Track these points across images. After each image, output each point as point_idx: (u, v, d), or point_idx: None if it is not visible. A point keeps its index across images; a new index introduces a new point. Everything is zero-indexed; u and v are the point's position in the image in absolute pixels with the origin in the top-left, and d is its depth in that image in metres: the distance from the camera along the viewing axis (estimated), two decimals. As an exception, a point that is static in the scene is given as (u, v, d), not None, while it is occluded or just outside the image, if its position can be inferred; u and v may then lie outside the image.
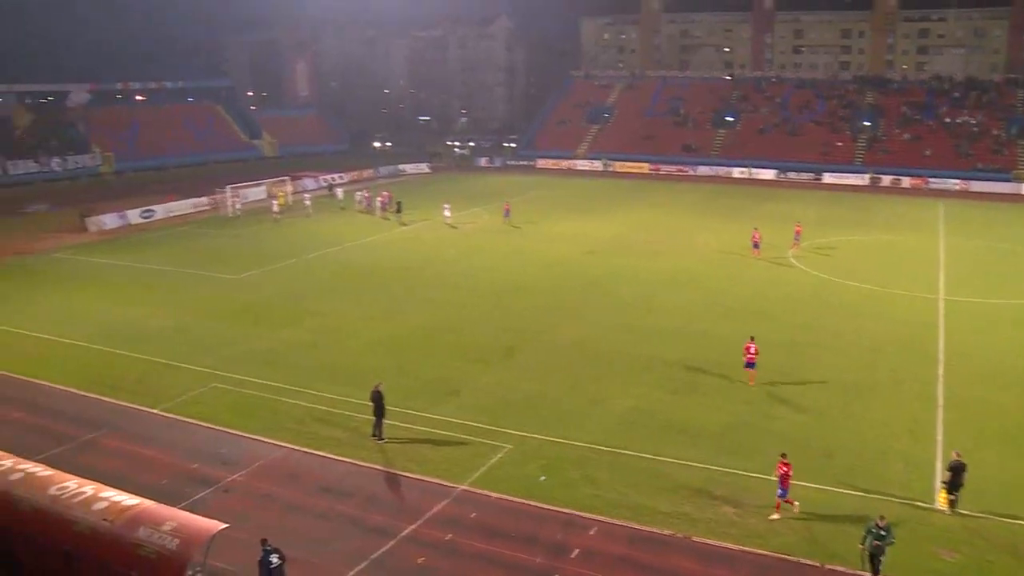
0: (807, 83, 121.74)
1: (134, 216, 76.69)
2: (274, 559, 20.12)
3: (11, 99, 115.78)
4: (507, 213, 71.23)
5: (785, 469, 23.58)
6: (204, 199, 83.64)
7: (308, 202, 79.20)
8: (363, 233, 67.79)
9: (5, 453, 23.27)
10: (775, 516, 23.66)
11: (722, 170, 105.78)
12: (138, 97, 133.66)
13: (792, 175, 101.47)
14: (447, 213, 70.61)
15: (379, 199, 77.66)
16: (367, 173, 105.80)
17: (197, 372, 36.01)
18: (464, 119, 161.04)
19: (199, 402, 32.78)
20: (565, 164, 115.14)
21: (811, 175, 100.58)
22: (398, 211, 74.25)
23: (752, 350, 33.64)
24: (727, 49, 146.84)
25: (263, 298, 48.45)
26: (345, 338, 40.64)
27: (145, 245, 65.68)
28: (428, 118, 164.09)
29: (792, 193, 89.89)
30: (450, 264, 56.20)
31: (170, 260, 59.23)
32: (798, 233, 60.00)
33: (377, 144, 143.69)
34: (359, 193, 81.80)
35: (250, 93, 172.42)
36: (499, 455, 27.72)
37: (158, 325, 43.31)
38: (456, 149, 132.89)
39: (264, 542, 20.31)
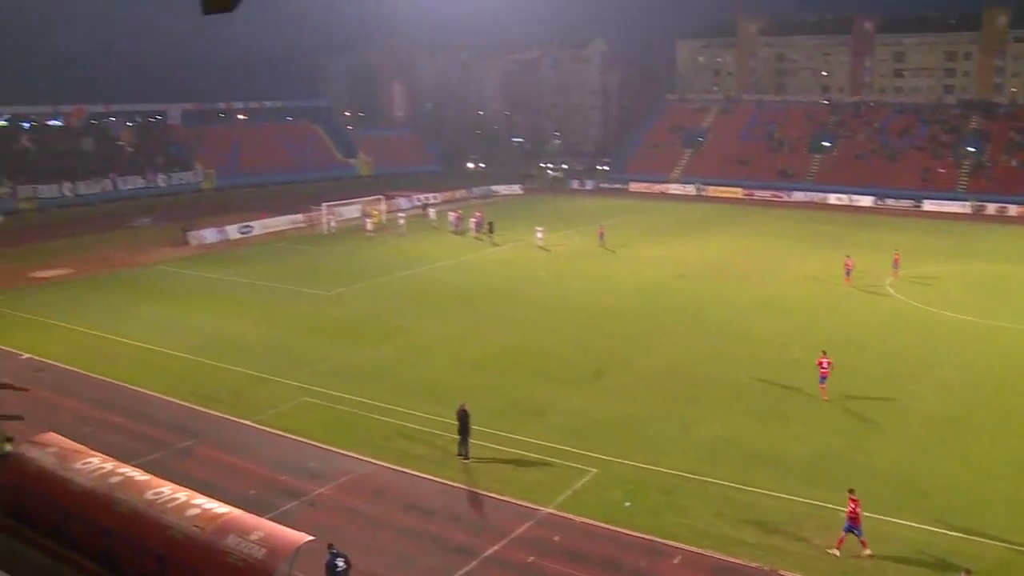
0: (908, 107, 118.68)
1: (233, 231, 78.99)
2: (340, 563, 20.43)
3: (122, 118, 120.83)
4: (601, 236, 71.06)
5: (853, 506, 22.88)
6: (300, 216, 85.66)
7: (402, 221, 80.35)
8: (455, 253, 68.45)
9: (106, 456, 24.12)
10: (834, 551, 22.97)
11: (818, 196, 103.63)
12: (240, 116, 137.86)
13: (891, 202, 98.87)
14: (539, 235, 70.71)
15: (472, 220, 78.37)
16: (460, 193, 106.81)
17: (289, 386, 36.79)
18: (557, 141, 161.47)
19: (290, 415, 33.46)
20: (658, 188, 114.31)
21: (911, 202, 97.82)
22: (490, 232, 74.85)
23: (824, 364, 34.40)
24: (824, 73, 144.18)
25: (355, 315, 49.28)
26: (434, 356, 41.01)
27: (242, 260, 67.54)
28: (521, 140, 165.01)
29: (890, 220, 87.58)
30: (540, 285, 56.30)
31: (266, 275, 60.73)
32: (896, 261, 58.44)
33: (470, 165, 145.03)
34: (451, 213, 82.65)
35: (347, 113, 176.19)
36: (584, 479, 27.56)
37: (253, 338, 44.46)
38: (549, 171, 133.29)
39: (330, 546, 20.63)
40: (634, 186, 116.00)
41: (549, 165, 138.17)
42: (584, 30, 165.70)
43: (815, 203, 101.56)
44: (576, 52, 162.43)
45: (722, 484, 27.00)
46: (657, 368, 38.85)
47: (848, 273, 55.81)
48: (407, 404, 34.16)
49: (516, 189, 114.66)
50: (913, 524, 24.43)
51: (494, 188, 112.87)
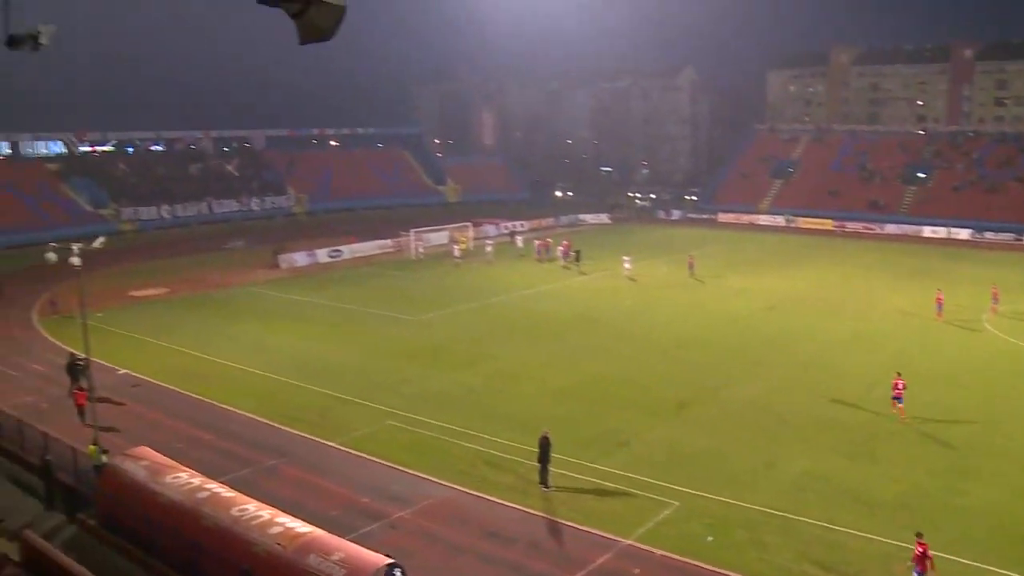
0: (1009, 137, 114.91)
1: (322, 255, 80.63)
2: (397, 573, 20.55)
3: (219, 144, 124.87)
4: (691, 266, 70.31)
5: (922, 549, 22.04)
6: (389, 241, 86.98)
7: (489, 248, 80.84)
8: (542, 281, 68.58)
9: (195, 472, 24.76)
10: None
11: (911, 229, 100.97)
12: (332, 143, 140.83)
13: (989, 235, 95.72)
14: (627, 265, 70.30)
15: (559, 248, 78.41)
16: (547, 222, 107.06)
17: (374, 409, 37.22)
18: (645, 170, 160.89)
19: (374, 439, 33.82)
20: (746, 218, 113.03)
21: (1012, 236, 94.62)
22: (577, 260, 74.89)
23: (899, 385, 35.39)
24: (920, 102, 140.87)
25: (441, 340, 49.69)
26: (519, 384, 41.06)
27: (331, 283, 68.83)
28: (609, 169, 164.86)
29: (989, 255, 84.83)
30: (627, 315, 56.01)
31: (354, 299, 61.72)
32: (995, 296, 56.52)
33: (558, 193, 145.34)
34: (537, 241, 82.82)
35: (437, 140, 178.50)
36: (666, 511, 27.18)
37: (340, 361, 45.17)
38: (637, 200, 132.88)
39: (387, 556, 20.66)
40: (722, 216, 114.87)
41: (637, 194, 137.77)
42: (674, 59, 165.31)
43: (909, 236, 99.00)
44: (666, 81, 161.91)
45: (807, 522, 26.34)
46: (743, 401, 38.24)
47: (939, 307, 54.16)
48: (491, 430, 34.25)
49: (603, 218, 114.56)
50: (1014, 574, 23.42)
51: (581, 217, 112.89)
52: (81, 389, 37.06)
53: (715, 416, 36.34)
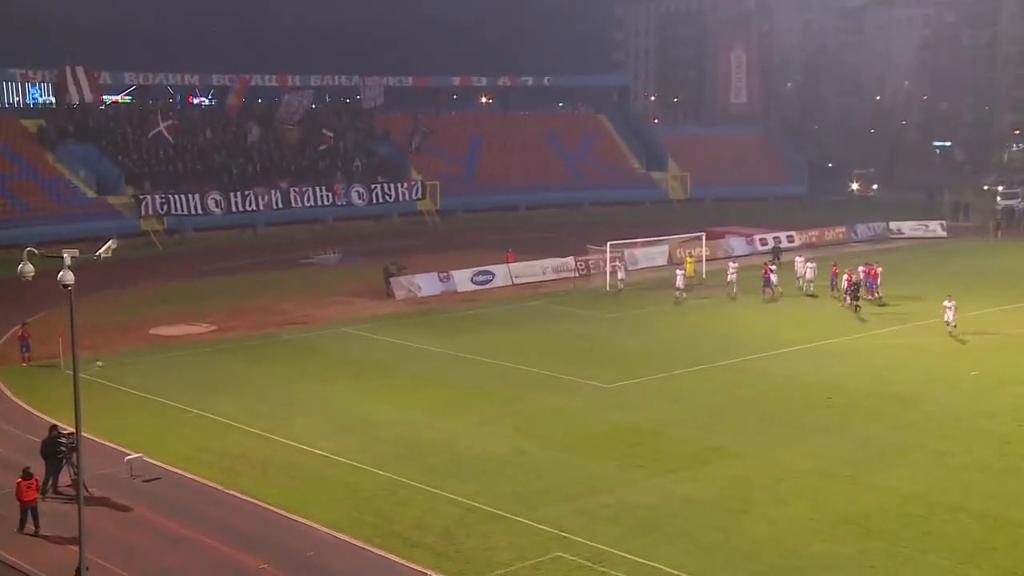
0: None
1: (462, 280, 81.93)
2: None
3: (302, 97, 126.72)
4: None
5: None
6: (569, 260, 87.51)
7: (733, 275, 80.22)
8: (817, 332, 67.63)
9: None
10: None
11: None
12: (483, 99, 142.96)
13: None
14: (949, 313, 66.80)
15: (846, 277, 76.14)
16: (835, 233, 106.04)
17: (534, 530, 37.13)
18: (1018, 146, 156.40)
19: (533, 579, 33.89)
20: None
21: None
22: (856, 299, 72.64)
23: None
24: None
25: (646, 422, 49.54)
26: (775, 502, 40.31)
27: (473, 324, 70.12)
28: (948, 144, 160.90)
29: None
30: (968, 395, 54.21)
31: (508, 350, 62.46)
32: None
33: (854, 186, 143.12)
34: (809, 265, 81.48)
35: (652, 97, 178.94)
36: None
37: (481, 450, 45.53)
38: (999, 198, 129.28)
39: None
40: None
41: (999, 187, 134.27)
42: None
43: None
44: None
45: None
46: None
47: None
48: (724, 576, 33.85)
49: (936, 228, 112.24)
50: None
51: (895, 225, 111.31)
52: (29, 477, 36.36)
53: None
